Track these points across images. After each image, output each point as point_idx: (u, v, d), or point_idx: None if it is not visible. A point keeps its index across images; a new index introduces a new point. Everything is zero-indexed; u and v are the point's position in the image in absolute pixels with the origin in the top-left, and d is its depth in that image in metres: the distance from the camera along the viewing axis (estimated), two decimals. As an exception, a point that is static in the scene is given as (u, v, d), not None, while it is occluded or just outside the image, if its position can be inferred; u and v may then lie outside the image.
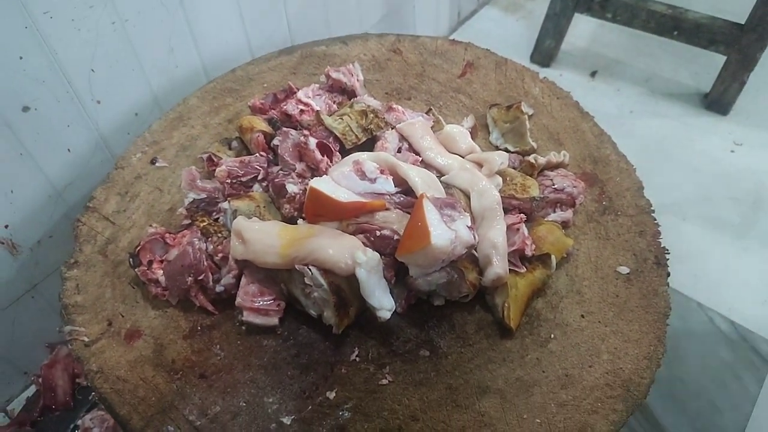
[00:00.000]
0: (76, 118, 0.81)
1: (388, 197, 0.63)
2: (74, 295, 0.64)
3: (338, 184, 0.62)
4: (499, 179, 0.68)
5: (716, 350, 1.00)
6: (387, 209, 0.61)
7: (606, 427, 0.53)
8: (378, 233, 0.59)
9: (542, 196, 0.69)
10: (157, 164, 0.76)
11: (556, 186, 0.70)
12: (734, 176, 1.26)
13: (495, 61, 0.89)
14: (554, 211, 0.69)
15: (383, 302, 0.56)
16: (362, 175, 0.63)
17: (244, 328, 0.62)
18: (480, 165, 0.69)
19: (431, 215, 0.55)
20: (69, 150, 0.82)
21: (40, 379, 0.95)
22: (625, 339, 0.59)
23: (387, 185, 0.64)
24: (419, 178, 0.63)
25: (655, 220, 0.68)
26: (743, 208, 1.20)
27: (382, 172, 0.64)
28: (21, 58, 0.70)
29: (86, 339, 0.60)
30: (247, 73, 0.89)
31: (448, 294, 0.62)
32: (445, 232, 0.55)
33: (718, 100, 1.37)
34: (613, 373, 0.57)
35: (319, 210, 0.61)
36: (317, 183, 0.60)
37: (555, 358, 0.59)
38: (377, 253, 0.57)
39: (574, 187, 0.70)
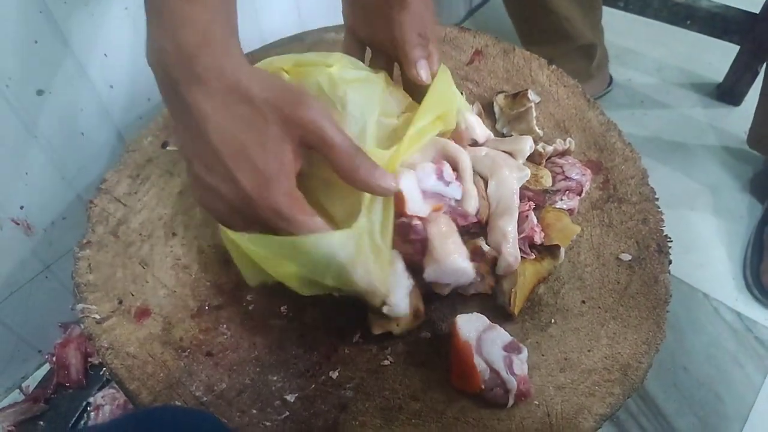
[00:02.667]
0: (89, 102, 0.82)
1: (448, 201, 0.61)
2: (86, 274, 0.66)
3: (420, 181, 0.60)
4: (528, 171, 0.67)
5: (721, 340, 1.01)
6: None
7: (602, 409, 0.54)
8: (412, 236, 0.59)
9: (555, 189, 0.69)
10: (168, 148, 0.78)
11: (566, 174, 0.70)
12: (745, 168, 1.26)
13: (503, 49, 0.89)
14: (561, 199, 0.70)
15: (399, 304, 0.57)
16: (440, 176, 0.61)
17: (251, 308, 0.63)
18: (509, 153, 0.68)
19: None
20: (82, 134, 0.84)
21: (54, 358, 0.97)
22: (624, 324, 0.60)
23: (456, 192, 0.62)
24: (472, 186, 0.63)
25: (659, 208, 0.69)
26: (753, 199, 1.20)
27: (456, 178, 0.63)
28: (36, 42, 0.72)
29: (97, 316, 0.62)
30: (257, 59, 0.89)
31: (463, 290, 0.63)
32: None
33: (730, 91, 1.36)
34: (612, 357, 0.58)
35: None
36: (405, 179, 0.58)
37: (554, 342, 0.60)
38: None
39: (583, 175, 0.70)
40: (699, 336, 1.01)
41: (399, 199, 0.57)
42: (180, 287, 0.65)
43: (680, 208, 1.18)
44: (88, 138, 0.85)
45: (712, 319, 1.03)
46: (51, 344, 0.98)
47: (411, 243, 0.59)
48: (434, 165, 0.61)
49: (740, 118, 1.34)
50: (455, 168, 0.63)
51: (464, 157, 0.63)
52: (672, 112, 1.37)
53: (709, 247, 1.12)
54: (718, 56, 1.40)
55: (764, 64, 1.24)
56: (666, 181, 1.22)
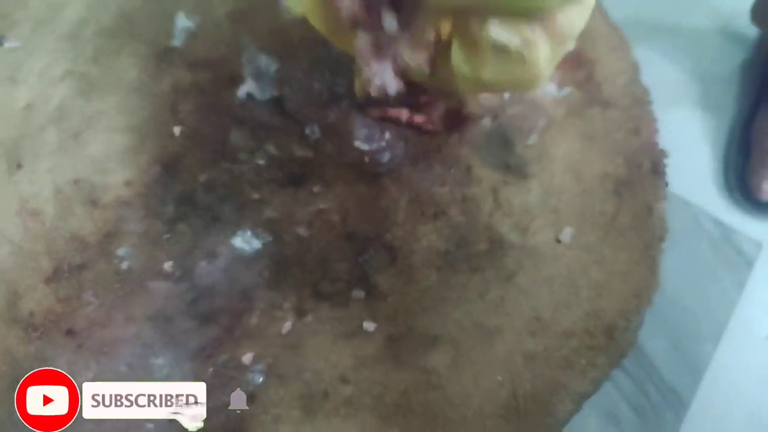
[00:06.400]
0: None
1: None
2: None
3: None
4: None
5: (698, 252, 0.91)
6: None
7: (583, 386, 0.43)
8: None
9: None
10: (6, 45, 0.57)
11: None
12: (735, 52, 1.10)
13: None
14: None
15: None
16: None
17: (123, 266, 0.47)
18: None
19: None
20: None
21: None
22: (609, 271, 0.47)
23: None
24: None
25: (653, 114, 0.54)
26: (743, 89, 1.05)
27: None
28: None
29: None
30: None
31: None
32: None
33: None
34: (594, 315, 0.46)
35: None
36: None
37: (523, 297, 0.47)
38: None
39: None
40: (675, 248, 0.91)
41: None
42: (30, 241, 0.48)
43: (657, 100, 1.03)
44: None
45: (692, 227, 0.92)
46: None
47: None
48: None
49: (729, -7, 1.16)
50: None
51: None
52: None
53: (691, 147, 1.00)
54: None
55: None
56: (642, 69, 1.06)
